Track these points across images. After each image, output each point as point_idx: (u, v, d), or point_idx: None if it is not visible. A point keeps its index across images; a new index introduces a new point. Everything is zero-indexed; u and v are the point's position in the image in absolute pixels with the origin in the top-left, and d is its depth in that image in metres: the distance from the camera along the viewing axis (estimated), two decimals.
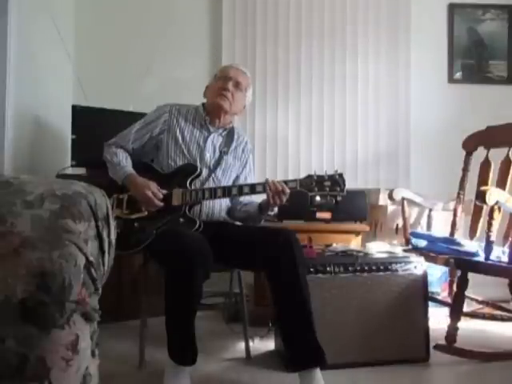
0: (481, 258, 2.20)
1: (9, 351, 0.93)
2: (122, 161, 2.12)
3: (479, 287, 2.54)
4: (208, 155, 2.15)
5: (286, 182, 1.92)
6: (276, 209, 2.02)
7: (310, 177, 1.92)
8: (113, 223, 1.17)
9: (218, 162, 2.16)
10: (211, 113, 2.19)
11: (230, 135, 2.24)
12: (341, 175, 1.91)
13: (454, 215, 2.74)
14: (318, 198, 1.97)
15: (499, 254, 2.21)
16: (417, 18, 3.53)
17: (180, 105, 2.22)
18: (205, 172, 2.12)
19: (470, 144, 2.75)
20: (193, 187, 2.05)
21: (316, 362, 1.78)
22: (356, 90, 3.51)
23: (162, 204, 2.01)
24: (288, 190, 1.90)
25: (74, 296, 1.00)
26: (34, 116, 2.85)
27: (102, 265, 1.12)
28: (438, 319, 2.49)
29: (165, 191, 2.03)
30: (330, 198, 1.92)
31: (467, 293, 2.24)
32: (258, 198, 2.11)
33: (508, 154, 2.54)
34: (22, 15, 2.59)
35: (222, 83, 2.15)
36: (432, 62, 3.58)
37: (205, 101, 2.24)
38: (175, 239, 1.83)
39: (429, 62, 3.57)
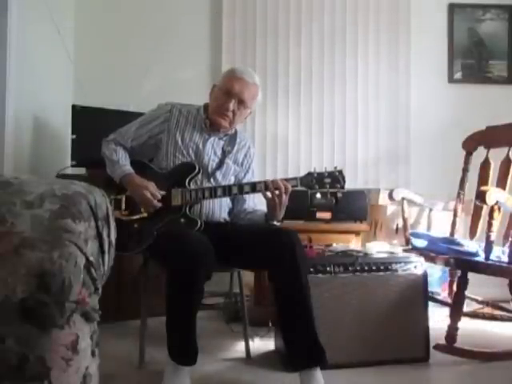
0: (481, 258, 2.19)
1: (9, 351, 0.93)
2: (121, 159, 2.10)
3: (479, 287, 2.54)
4: (207, 158, 2.12)
5: (286, 180, 1.92)
6: (281, 216, 2.01)
7: (310, 174, 1.92)
8: (113, 223, 1.17)
9: (218, 166, 2.13)
10: (211, 119, 2.14)
11: (232, 139, 2.20)
12: (340, 172, 1.91)
13: (454, 215, 2.74)
14: (318, 196, 1.98)
15: (499, 253, 2.21)
16: (417, 18, 3.53)
17: (182, 104, 2.18)
18: (204, 175, 2.09)
19: (470, 144, 2.75)
20: (192, 186, 2.04)
21: (316, 362, 1.77)
22: (356, 90, 3.51)
23: (160, 205, 2.00)
24: (290, 187, 1.90)
25: (73, 296, 1.00)
26: (33, 116, 2.85)
27: (102, 265, 1.12)
28: (437, 319, 2.49)
29: (163, 192, 2.01)
30: (330, 196, 1.92)
31: (467, 293, 2.24)
32: (262, 206, 2.11)
33: (508, 154, 2.54)
34: (22, 15, 2.59)
35: (225, 100, 2.06)
36: (432, 62, 3.58)
37: (208, 101, 2.18)
38: (177, 239, 1.82)
39: (429, 62, 3.57)
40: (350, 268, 2.12)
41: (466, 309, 2.40)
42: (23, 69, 2.62)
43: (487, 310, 2.75)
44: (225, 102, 2.07)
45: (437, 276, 3.00)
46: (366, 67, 3.52)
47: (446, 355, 2.16)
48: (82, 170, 2.83)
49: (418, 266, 2.18)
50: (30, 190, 1.06)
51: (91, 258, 1.06)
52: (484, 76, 3.62)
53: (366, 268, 2.13)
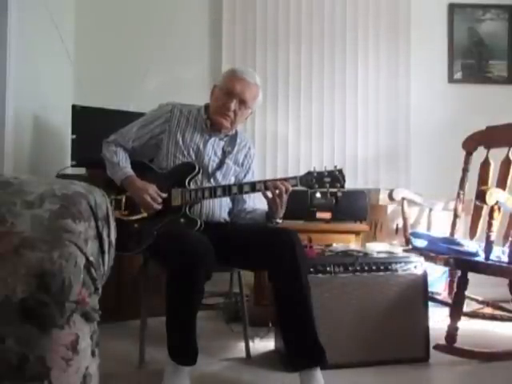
0: (481, 258, 2.20)
1: (9, 351, 0.93)
2: (122, 161, 2.10)
3: (479, 287, 2.54)
4: (207, 159, 2.12)
5: (286, 180, 1.92)
6: (282, 214, 2.01)
7: (309, 173, 1.92)
8: (113, 223, 1.17)
9: (218, 166, 2.13)
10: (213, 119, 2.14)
11: (232, 140, 2.20)
12: (340, 171, 1.91)
13: (454, 215, 2.74)
14: (318, 196, 1.98)
15: (499, 253, 2.21)
16: (417, 18, 3.53)
17: (182, 105, 2.18)
18: (204, 175, 2.09)
19: (470, 144, 2.76)
20: (192, 186, 2.04)
21: (316, 362, 1.78)
22: (356, 90, 3.51)
23: (160, 207, 2.01)
24: (290, 187, 1.90)
25: (73, 296, 1.00)
26: (34, 116, 2.85)
27: (102, 265, 1.12)
28: (437, 319, 2.49)
29: (164, 195, 2.02)
30: (330, 196, 1.92)
31: (467, 293, 2.24)
32: (261, 205, 2.11)
33: (508, 154, 2.54)
34: (22, 15, 2.59)
35: (226, 100, 2.06)
36: (432, 62, 3.58)
37: (208, 101, 2.18)
38: (177, 239, 1.82)
39: (429, 62, 3.57)
40: (350, 268, 2.12)
41: (466, 309, 2.40)
42: (23, 69, 2.61)
43: (487, 310, 2.75)
44: (226, 102, 2.06)
45: (437, 276, 3.00)
46: (366, 67, 3.51)
47: (446, 355, 2.16)
48: (82, 170, 2.83)
49: (418, 266, 2.18)
50: (30, 190, 1.06)
51: (91, 258, 1.06)
52: (484, 76, 3.62)
53: (366, 268, 2.13)
